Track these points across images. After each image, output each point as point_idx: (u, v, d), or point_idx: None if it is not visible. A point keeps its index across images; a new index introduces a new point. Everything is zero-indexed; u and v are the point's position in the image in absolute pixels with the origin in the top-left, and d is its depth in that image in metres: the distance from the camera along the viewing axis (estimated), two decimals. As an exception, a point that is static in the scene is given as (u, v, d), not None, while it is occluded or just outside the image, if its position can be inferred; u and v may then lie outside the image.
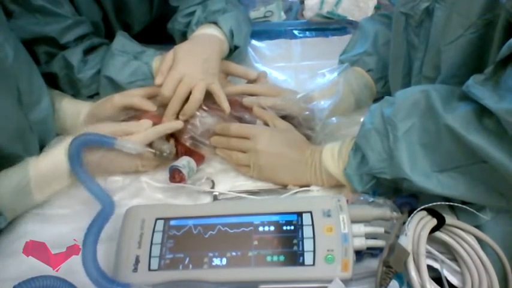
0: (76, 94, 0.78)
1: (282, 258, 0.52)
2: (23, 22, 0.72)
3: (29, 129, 0.65)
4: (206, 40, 0.78)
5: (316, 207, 0.56)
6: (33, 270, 0.48)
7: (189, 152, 0.71)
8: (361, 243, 0.54)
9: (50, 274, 0.47)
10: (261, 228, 0.55)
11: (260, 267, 0.52)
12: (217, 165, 0.73)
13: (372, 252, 0.55)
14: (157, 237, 0.55)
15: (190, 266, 0.53)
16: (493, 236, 0.54)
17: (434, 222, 0.54)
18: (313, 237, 0.53)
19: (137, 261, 0.54)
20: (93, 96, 0.79)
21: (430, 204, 0.54)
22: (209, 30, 0.80)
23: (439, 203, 0.55)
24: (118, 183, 0.69)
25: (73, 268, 0.50)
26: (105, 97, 0.75)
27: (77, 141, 0.61)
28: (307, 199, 0.62)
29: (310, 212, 0.55)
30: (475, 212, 0.55)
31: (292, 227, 0.55)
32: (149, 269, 0.53)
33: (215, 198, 0.66)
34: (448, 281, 0.52)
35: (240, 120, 0.74)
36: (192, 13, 0.84)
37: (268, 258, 0.52)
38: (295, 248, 0.53)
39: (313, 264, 0.51)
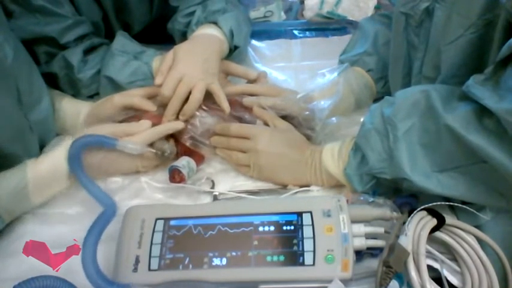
0: (76, 94, 0.78)
1: (282, 258, 0.52)
2: (23, 22, 0.72)
3: (29, 129, 0.65)
4: (206, 40, 0.78)
5: (316, 207, 0.56)
6: (33, 270, 0.48)
7: (189, 152, 0.70)
8: (361, 243, 0.54)
9: (50, 274, 0.47)
10: (261, 228, 0.55)
11: (260, 267, 0.52)
12: (217, 165, 0.73)
13: (372, 252, 0.55)
14: (157, 237, 0.55)
15: (190, 266, 0.53)
16: (493, 236, 0.54)
17: (434, 222, 0.54)
18: (313, 237, 0.53)
19: (137, 261, 0.54)
20: (93, 96, 0.79)
21: (430, 204, 0.54)
22: (209, 30, 0.80)
23: (439, 203, 0.55)
24: (118, 184, 0.69)
25: (73, 268, 0.50)
26: (105, 97, 0.75)
27: (78, 143, 0.61)
28: (307, 199, 0.62)
29: (310, 212, 0.55)
30: (475, 212, 0.55)
31: (292, 227, 0.55)
32: (149, 269, 0.53)
33: (215, 198, 0.66)
34: (448, 281, 0.52)
35: (240, 120, 0.74)
36: (192, 13, 0.84)
37: (268, 258, 0.52)
38: (295, 248, 0.53)
39: (313, 264, 0.51)
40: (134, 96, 0.73)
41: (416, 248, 0.51)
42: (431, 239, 0.54)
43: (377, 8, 1.23)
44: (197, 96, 0.69)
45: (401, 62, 0.72)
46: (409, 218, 0.53)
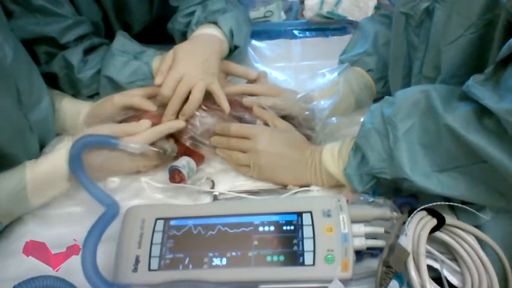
0: (76, 94, 0.78)
1: (282, 258, 0.52)
2: (23, 22, 0.72)
3: (29, 129, 0.65)
4: (206, 40, 0.78)
5: (316, 207, 0.56)
6: (33, 270, 0.48)
7: (189, 152, 0.71)
8: (361, 243, 0.54)
9: (50, 274, 0.47)
10: (261, 228, 0.55)
11: (260, 267, 0.52)
12: (217, 165, 0.73)
13: (372, 252, 0.55)
14: (157, 237, 0.55)
15: (190, 266, 0.53)
16: (493, 236, 0.54)
17: (434, 222, 0.54)
18: (313, 237, 0.53)
19: (137, 261, 0.54)
20: (93, 96, 0.79)
21: (430, 204, 0.54)
22: (209, 30, 0.80)
23: (439, 203, 0.55)
24: (117, 184, 0.69)
25: (73, 268, 0.50)
26: (105, 97, 0.75)
27: (79, 144, 0.61)
28: (307, 199, 0.62)
29: (310, 212, 0.55)
30: (475, 212, 0.55)
31: (292, 227, 0.55)
32: (149, 269, 0.53)
33: (215, 198, 0.66)
34: (448, 281, 0.52)
35: (240, 120, 0.74)
36: (192, 13, 0.84)
37: (268, 258, 0.52)
38: (295, 248, 0.53)
39: (313, 264, 0.51)
40: (134, 96, 0.73)
41: (416, 248, 0.51)
42: (431, 239, 0.54)
43: (377, 8, 1.23)
44: (197, 96, 0.69)
45: (401, 62, 0.72)
46: (409, 218, 0.53)
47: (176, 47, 0.75)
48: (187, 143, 0.71)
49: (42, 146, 0.69)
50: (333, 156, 0.64)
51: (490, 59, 0.56)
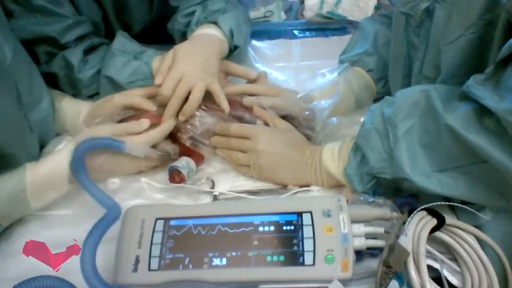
0: (76, 94, 0.78)
1: (282, 258, 0.52)
2: (23, 22, 0.72)
3: (29, 129, 0.65)
4: (206, 40, 0.78)
5: (316, 207, 0.56)
6: (33, 270, 0.48)
7: (189, 152, 0.71)
8: (361, 243, 0.54)
9: (50, 274, 0.47)
10: (261, 228, 0.55)
11: (260, 267, 0.52)
12: (217, 165, 0.73)
13: (372, 252, 0.55)
14: (157, 237, 0.55)
15: (190, 266, 0.53)
16: (493, 236, 0.54)
17: (434, 222, 0.53)
18: (313, 237, 0.53)
19: (137, 261, 0.54)
20: (93, 96, 0.79)
21: (430, 204, 0.54)
22: (209, 30, 0.80)
23: (439, 203, 0.55)
24: (118, 184, 0.68)
25: (73, 268, 0.50)
26: (105, 97, 0.75)
27: (83, 147, 0.60)
28: (307, 199, 0.62)
29: (310, 212, 0.55)
30: (475, 212, 0.55)
31: (292, 227, 0.54)
32: (149, 269, 0.53)
33: (215, 198, 0.66)
34: (448, 281, 0.52)
35: (240, 120, 0.74)
36: (192, 13, 0.84)
37: (268, 258, 0.52)
38: (295, 248, 0.53)
39: (313, 264, 0.51)
40: (134, 96, 0.73)
41: (416, 248, 0.51)
42: (431, 239, 0.54)
43: (377, 8, 1.23)
44: (197, 96, 0.69)
45: (401, 62, 0.72)
46: (409, 218, 0.53)
47: (176, 47, 0.75)
48: (187, 143, 0.71)
49: (42, 146, 0.69)
50: (333, 156, 0.64)
51: (490, 59, 0.56)
